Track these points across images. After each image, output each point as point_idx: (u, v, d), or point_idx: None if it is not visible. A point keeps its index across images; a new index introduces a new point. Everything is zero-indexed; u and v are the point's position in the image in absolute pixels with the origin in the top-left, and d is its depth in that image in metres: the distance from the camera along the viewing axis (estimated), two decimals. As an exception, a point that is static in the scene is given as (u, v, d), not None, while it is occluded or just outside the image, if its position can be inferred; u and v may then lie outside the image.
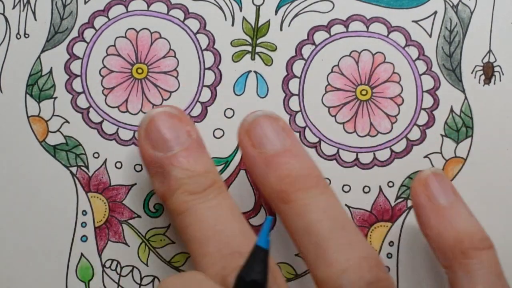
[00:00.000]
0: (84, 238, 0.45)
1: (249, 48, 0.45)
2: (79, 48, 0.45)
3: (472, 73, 0.45)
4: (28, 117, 0.45)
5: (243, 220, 0.39)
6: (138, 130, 0.41)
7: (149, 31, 0.45)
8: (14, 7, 0.45)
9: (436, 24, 0.45)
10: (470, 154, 0.45)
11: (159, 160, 0.39)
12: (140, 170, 0.45)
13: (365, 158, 0.45)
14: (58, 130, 0.45)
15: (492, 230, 0.44)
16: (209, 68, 0.45)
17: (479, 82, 0.45)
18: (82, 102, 0.45)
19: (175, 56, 0.45)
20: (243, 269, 0.34)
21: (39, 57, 0.45)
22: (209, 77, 0.45)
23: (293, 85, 0.45)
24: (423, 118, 0.45)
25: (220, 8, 0.45)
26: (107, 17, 0.45)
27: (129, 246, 0.45)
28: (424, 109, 0.45)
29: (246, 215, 0.45)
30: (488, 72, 0.45)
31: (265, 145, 0.39)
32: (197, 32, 0.45)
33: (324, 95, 0.45)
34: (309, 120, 0.45)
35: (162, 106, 0.42)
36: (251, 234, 0.38)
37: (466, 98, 0.45)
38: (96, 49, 0.45)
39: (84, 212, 0.45)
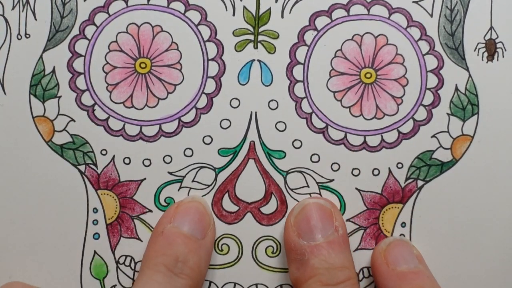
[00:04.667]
0: (96, 236, 0.45)
1: (251, 37, 0.45)
2: (81, 46, 0.44)
3: (474, 50, 0.45)
4: (33, 117, 0.44)
5: None
6: (289, 216, 0.43)
7: (151, 25, 0.45)
8: (13, 7, 0.44)
9: (436, 3, 0.45)
10: (477, 131, 0.45)
11: (301, 247, 0.41)
12: (149, 165, 0.44)
13: (373, 141, 0.45)
14: (64, 129, 0.45)
15: (502, 206, 0.45)
16: (212, 59, 0.45)
17: (482, 59, 0.45)
18: (86, 99, 0.45)
19: (177, 49, 0.45)
20: None
21: (41, 56, 0.44)
22: (213, 68, 0.45)
23: (297, 72, 0.45)
24: (428, 98, 0.45)
25: (220, -2, 0.45)
26: (108, 13, 0.45)
27: (142, 241, 0.45)
28: (429, 89, 0.45)
29: (256, 204, 0.45)
30: (491, 48, 0.45)
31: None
32: (199, 24, 0.45)
33: (328, 80, 0.45)
34: (315, 105, 0.45)
35: (317, 198, 0.44)
36: None
37: (470, 75, 0.45)
38: (98, 46, 0.44)
39: (95, 210, 0.45)
